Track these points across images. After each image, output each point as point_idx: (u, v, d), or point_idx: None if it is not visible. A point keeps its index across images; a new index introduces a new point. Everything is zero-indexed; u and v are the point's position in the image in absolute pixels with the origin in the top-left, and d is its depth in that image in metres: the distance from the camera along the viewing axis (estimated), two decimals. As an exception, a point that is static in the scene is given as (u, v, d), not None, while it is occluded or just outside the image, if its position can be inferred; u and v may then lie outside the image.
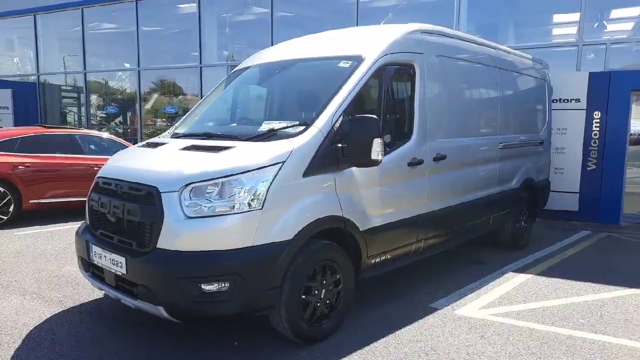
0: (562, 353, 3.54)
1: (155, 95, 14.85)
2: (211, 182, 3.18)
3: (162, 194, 3.19)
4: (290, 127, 3.68)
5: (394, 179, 4.20)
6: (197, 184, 3.18)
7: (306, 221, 3.41)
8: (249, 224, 3.16)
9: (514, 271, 5.54)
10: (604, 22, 10.35)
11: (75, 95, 16.08)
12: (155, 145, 4.06)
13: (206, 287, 3.08)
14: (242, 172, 3.21)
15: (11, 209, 7.45)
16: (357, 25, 9.48)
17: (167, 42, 15.02)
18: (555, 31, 11.44)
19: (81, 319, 4.04)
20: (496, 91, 5.76)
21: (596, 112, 8.40)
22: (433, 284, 5.02)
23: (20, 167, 7.54)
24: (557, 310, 4.36)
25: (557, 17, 10.83)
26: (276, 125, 3.78)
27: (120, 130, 15.47)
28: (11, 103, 13.53)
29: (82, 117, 15.66)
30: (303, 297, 3.46)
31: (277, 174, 3.29)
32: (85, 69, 14.63)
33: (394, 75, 4.32)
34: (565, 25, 10.79)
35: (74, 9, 14.23)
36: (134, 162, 3.81)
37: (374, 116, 3.57)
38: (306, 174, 3.45)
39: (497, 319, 4.15)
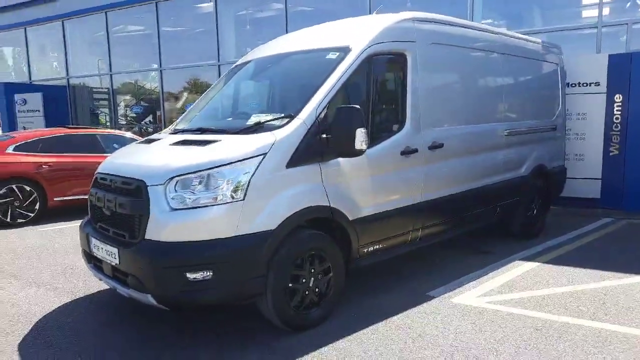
0: (554, 339, 3.49)
1: (186, 94, 15.22)
2: (195, 174, 3.29)
3: (148, 187, 3.33)
4: (275, 119, 3.76)
5: (387, 169, 4.22)
6: (181, 177, 3.30)
7: (290, 211, 3.48)
8: (231, 215, 3.25)
9: (522, 259, 5.45)
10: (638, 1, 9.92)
11: (105, 96, 16.63)
12: (151, 141, 4.21)
13: (191, 276, 3.20)
14: (224, 165, 3.30)
15: (37, 206, 7.83)
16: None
17: (189, 41, 15.31)
18: (585, 13, 11.06)
19: (88, 308, 4.26)
20: (500, 77, 5.66)
21: (617, 95, 8.07)
22: (434, 272, 5.01)
23: (44, 166, 7.91)
24: (558, 298, 4.28)
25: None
26: (263, 118, 3.86)
27: (151, 129, 15.95)
28: (42, 106, 14.16)
29: (114, 117, 16.21)
30: (290, 285, 3.53)
31: (259, 166, 3.37)
32: (111, 70, 15.12)
33: (384, 65, 4.32)
34: (589, 8, 10.41)
35: (98, 13, 14.72)
36: (128, 158, 3.97)
37: (357, 106, 3.60)
38: (290, 164, 3.52)
39: (493, 306, 4.11)
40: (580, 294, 4.39)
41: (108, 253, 3.58)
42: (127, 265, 3.39)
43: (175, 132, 4.47)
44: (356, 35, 4.19)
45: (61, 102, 15.64)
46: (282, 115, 3.77)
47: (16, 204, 7.68)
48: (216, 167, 3.29)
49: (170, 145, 3.84)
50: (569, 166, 8.29)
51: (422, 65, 4.52)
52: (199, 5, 14.27)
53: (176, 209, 3.26)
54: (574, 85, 8.26)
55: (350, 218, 3.91)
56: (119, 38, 15.52)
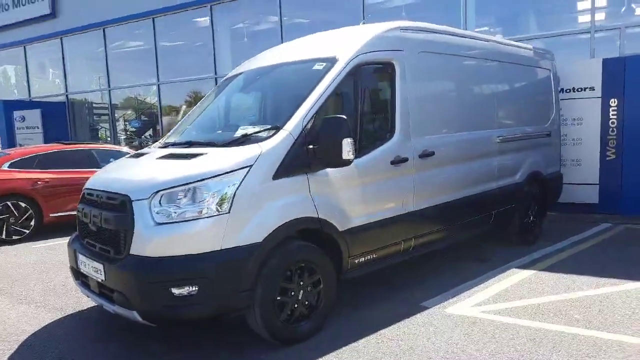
0: (547, 350, 3.43)
1: (184, 107, 15.27)
2: (179, 188, 3.27)
3: (133, 202, 3.31)
4: (262, 131, 3.74)
5: (377, 178, 4.19)
6: (166, 191, 3.28)
7: (277, 223, 3.44)
8: (216, 228, 3.22)
9: (518, 267, 5.38)
10: (632, 5, 9.91)
11: (104, 111, 16.69)
12: (139, 155, 4.20)
13: (176, 291, 3.16)
14: (209, 178, 3.28)
15: (32, 222, 7.82)
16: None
17: (187, 55, 15.39)
18: (581, 19, 11.06)
19: (77, 325, 4.22)
20: (492, 84, 5.64)
21: (613, 100, 8.04)
22: (429, 281, 4.95)
23: (39, 182, 7.91)
24: (553, 307, 4.21)
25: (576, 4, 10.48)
26: (250, 130, 3.85)
27: (151, 143, 15.96)
28: (40, 122, 14.22)
29: (112, 133, 16.26)
30: (279, 298, 3.49)
31: (244, 178, 3.34)
32: (109, 86, 15.20)
33: (371, 74, 4.31)
34: (583, 13, 10.40)
35: (96, 30, 14.83)
36: (115, 172, 3.96)
37: (343, 116, 3.58)
38: (276, 176, 3.49)
39: (487, 316, 4.05)
40: (576, 301, 4.32)
41: (94, 269, 3.55)
42: (113, 281, 3.35)
43: (165, 145, 4.46)
44: (343, 45, 4.19)
45: (60, 118, 15.70)
46: (269, 127, 3.75)
47: (12, 221, 7.66)
48: (201, 180, 3.27)
49: (156, 159, 3.82)
50: (566, 172, 8.26)
51: (411, 74, 4.51)
52: (195, 19, 14.36)
53: (161, 224, 3.23)
54: (568, 90, 8.25)
55: (340, 229, 3.87)
56: (118, 54, 15.62)
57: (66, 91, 16.25)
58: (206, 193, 3.25)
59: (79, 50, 16.21)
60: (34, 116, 14.34)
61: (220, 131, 4.47)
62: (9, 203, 7.63)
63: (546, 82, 6.75)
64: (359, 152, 4.04)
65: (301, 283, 3.62)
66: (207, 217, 3.22)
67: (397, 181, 4.36)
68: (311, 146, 3.64)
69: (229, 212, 3.25)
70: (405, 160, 4.38)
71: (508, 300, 4.42)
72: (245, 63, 5.25)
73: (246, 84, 4.79)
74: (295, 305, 3.60)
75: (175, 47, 14.93)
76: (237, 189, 3.30)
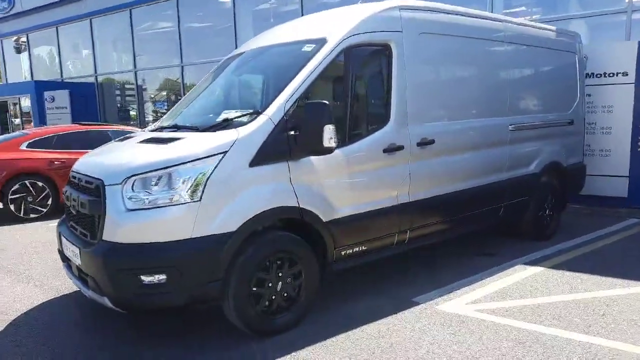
0: (536, 355, 3.20)
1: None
2: (151, 174, 3.19)
3: (106, 187, 3.25)
4: (243, 116, 3.61)
5: (367, 167, 4.00)
6: (138, 176, 3.20)
7: (253, 212, 3.32)
8: (186, 216, 3.13)
9: (526, 263, 5.10)
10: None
11: (132, 92, 16.95)
12: (125, 139, 4.15)
13: (146, 279, 3.11)
14: (181, 163, 3.19)
15: (49, 202, 8.01)
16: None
17: (210, 37, 15.37)
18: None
19: (66, 307, 4.27)
20: (505, 68, 5.28)
21: (648, 86, 7.50)
22: (425, 276, 4.75)
23: (56, 162, 8.07)
24: (553, 308, 3.95)
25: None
26: (232, 114, 3.72)
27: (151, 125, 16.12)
28: (69, 103, 14.56)
29: (139, 113, 16.51)
30: (254, 289, 3.38)
31: (218, 164, 3.23)
32: (135, 67, 15.38)
33: (365, 57, 4.09)
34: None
35: (123, 11, 14.98)
36: (98, 156, 3.93)
37: (325, 101, 3.40)
38: (254, 163, 3.36)
39: (480, 315, 3.84)
40: (580, 303, 4.04)
41: (73, 253, 3.54)
42: (86, 266, 3.33)
43: (156, 129, 4.39)
44: (334, 26, 3.98)
45: (90, 99, 16.04)
46: (251, 111, 3.62)
47: (29, 200, 7.87)
48: (172, 166, 3.18)
49: (137, 143, 3.76)
50: (594, 162, 7.80)
51: (410, 56, 4.26)
52: (219, 0, 14.27)
53: (132, 210, 3.17)
54: (599, 75, 7.72)
55: (325, 219, 3.72)
56: (144, 35, 15.74)
57: (95, 72, 16.58)
58: (178, 179, 3.16)
59: (107, 32, 16.45)
60: (62, 97, 14.72)
61: (207, 115, 4.36)
62: (26, 182, 7.84)
63: (570, 66, 6.30)
64: (348, 139, 3.88)
65: (280, 274, 3.51)
66: (178, 204, 3.13)
67: (390, 170, 4.15)
68: (293, 132, 3.49)
69: (200, 200, 3.15)
70: (400, 148, 4.17)
71: (507, 298, 4.18)
72: (248, 42, 5.09)
73: (240, 66, 4.64)
74: (273, 297, 3.49)
75: (200, 29, 14.92)
76: (210, 175, 3.19)
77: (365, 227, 4.03)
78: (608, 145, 7.81)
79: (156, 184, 3.18)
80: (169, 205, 3.14)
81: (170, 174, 3.17)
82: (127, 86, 16.65)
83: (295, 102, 3.55)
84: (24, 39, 19.02)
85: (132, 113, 17.22)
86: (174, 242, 3.11)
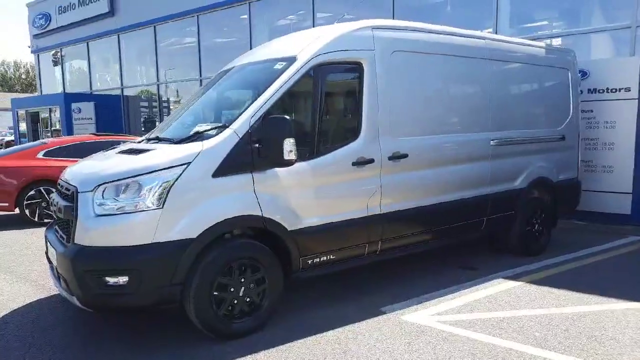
0: (483, 366, 3.26)
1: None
2: (119, 182, 3.43)
3: (79, 193, 3.51)
4: (212, 129, 3.83)
5: (334, 179, 4.14)
6: (108, 184, 3.45)
7: (214, 220, 3.52)
8: (149, 222, 3.35)
9: (506, 278, 5.11)
10: None
11: (155, 104, 17.58)
12: (111, 149, 4.44)
13: (110, 280, 3.34)
14: (145, 173, 3.42)
15: (62, 208, 8.43)
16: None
17: (230, 51, 15.84)
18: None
19: (55, 306, 4.52)
20: (486, 85, 5.35)
21: (651, 102, 7.38)
22: (402, 287, 4.82)
23: (70, 171, 8.50)
24: (517, 322, 3.98)
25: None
26: (203, 127, 3.95)
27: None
28: (94, 114, 15.27)
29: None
30: (216, 293, 3.56)
31: (181, 175, 3.44)
32: (158, 80, 16.00)
33: (335, 74, 4.28)
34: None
35: (148, 27, 15.66)
36: (81, 165, 4.22)
37: (285, 116, 3.60)
38: (217, 174, 3.57)
39: (440, 326, 3.90)
40: (546, 318, 4.05)
41: (52, 255, 3.81)
42: (59, 266, 3.59)
43: (144, 140, 4.66)
44: (305, 45, 4.17)
45: (116, 110, 16.75)
46: (219, 125, 3.84)
47: (44, 205, 8.32)
48: (137, 175, 3.41)
49: (116, 153, 4.03)
50: (596, 178, 7.72)
51: (383, 74, 4.40)
52: (239, 17, 14.71)
53: (100, 215, 3.41)
54: (601, 90, 7.67)
55: (289, 228, 3.88)
56: (168, 50, 16.37)
57: (121, 85, 17.30)
58: (143, 187, 3.39)
59: (133, 47, 17.19)
60: (88, 108, 15.45)
61: (185, 128, 4.61)
62: (42, 189, 8.30)
63: (562, 82, 6.30)
64: (316, 152, 4.04)
65: (242, 280, 3.68)
66: (141, 211, 3.36)
67: (359, 183, 4.28)
68: (257, 145, 3.68)
69: (162, 207, 3.37)
70: (370, 161, 4.30)
71: (474, 311, 4.23)
72: (239, 57, 5.31)
73: (225, 81, 4.88)
74: (235, 302, 3.66)
75: (219, 44, 15.41)
76: (173, 184, 3.41)
77: (334, 237, 4.17)
78: (611, 161, 7.71)
79: (124, 192, 3.42)
80: (133, 212, 3.37)
81: (135, 183, 3.40)
82: (147, 97, 17.32)
83: (261, 116, 3.74)
84: (61, 52, 20.03)
85: (158, 124, 17.88)
86: (136, 247, 3.34)
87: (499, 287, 4.84)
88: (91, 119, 15.30)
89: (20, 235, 7.63)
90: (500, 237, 5.89)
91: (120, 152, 4.00)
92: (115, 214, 3.39)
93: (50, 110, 17.45)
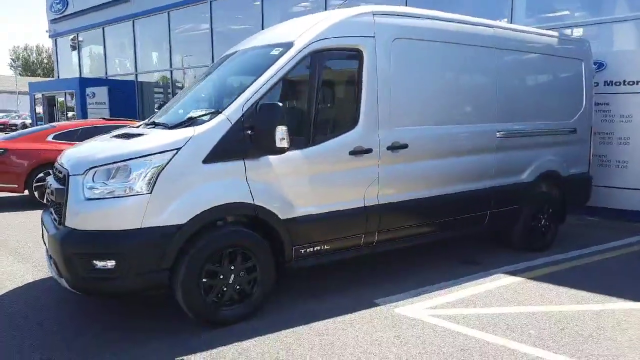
0: (472, 363, 3.19)
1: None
2: (109, 166, 3.42)
3: (70, 176, 3.51)
4: (205, 115, 3.78)
5: (330, 168, 4.07)
6: (98, 168, 3.44)
7: (204, 207, 3.48)
8: (137, 207, 3.33)
9: (507, 273, 4.99)
10: None
11: (168, 90, 17.62)
12: (108, 133, 4.43)
13: (98, 264, 3.33)
14: (135, 158, 3.39)
15: (70, 191, 8.53)
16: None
17: (242, 38, 15.76)
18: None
19: (50, 287, 4.55)
20: (492, 74, 5.18)
21: (670, 96, 7.12)
22: (400, 279, 4.74)
23: (78, 154, 8.58)
24: (513, 318, 3.88)
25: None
26: (197, 113, 3.91)
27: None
28: (107, 99, 15.40)
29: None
30: (204, 280, 3.54)
31: (170, 160, 3.41)
32: (171, 66, 16.03)
33: (333, 61, 4.18)
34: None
35: (161, 13, 15.66)
36: (76, 149, 4.21)
37: (278, 103, 3.53)
38: (208, 160, 3.52)
39: (432, 320, 3.83)
40: (543, 315, 3.95)
41: (45, 237, 3.83)
42: (50, 249, 3.60)
43: (142, 125, 4.64)
44: (303, 30, 4.08)
45: (130, 95, 16.86)
46: (213, 110, 3.78)
47: (52, 188, 8.41)
48: (127, 159, 3.39)
49: (110, 137, 4.02)
50: (609, 174, 7.51)
51: (383, 61, 4.29)
52: (252, 3, 14.61)
53: (90, 199, 3.40)
54: (618, 83, 7.42)
55: (282, 217, 3.83)
56: (182, 36, 16.36)
57: (136, 70, 17.38)
58: (132, 172, 3.37)
59: (147, 32, 17.22)
60: (102, 93, 15.58)
61: (181, 113, 4.56)
62: (50, 171, 8.36)
63: (574, 73, 6.08)
64: (312, 140, 3.97)
65: (232, 267, 3.65)
66: (130, 196, 3.34)
67: (356, 172, 4.20)
68: (250, 132, 3.63)
69: (151, 192, 3.35)
70: (368, 151, 4.21)
71: (470, 306, 4.14)
72: (243, 41, 5.22)
73: (225, 66, 4.81)
74: (225, 289, 3.64)
75: (231, 31, 15.33)
76: (162, 170, 3.38)
77: (328, 227, 4.11)
78: (626, 156, 7.48)
79: (114, 176, 3.40)
80: (122, 197, 3.35)
81: (125, 167, 3.38)
82: (163, 84, 17.38)
83: (254, 103, 3.68)
84: (78, 37, 20.20)
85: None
86: (124, 231, 3.32)
87: (499, 282, 4.73)
88: (105, 103, 15.44)
89: (28, 216, 7.74)
90: (505, 232, 5.75)
91: (114, 137, 3.98)
92: (105, 198, 3.37)
93: (66, 94, 17.64)
